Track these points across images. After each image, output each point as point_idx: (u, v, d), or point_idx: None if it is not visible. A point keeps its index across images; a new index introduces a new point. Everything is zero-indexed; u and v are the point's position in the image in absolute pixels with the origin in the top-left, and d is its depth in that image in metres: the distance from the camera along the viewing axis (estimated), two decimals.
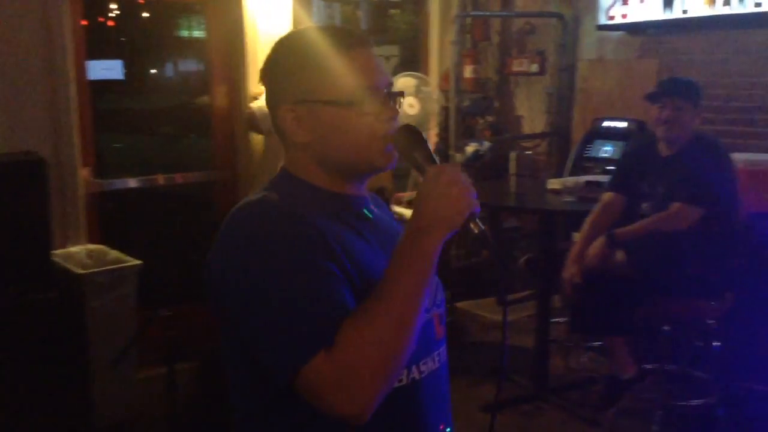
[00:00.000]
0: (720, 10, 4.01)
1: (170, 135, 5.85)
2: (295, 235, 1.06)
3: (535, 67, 5.06)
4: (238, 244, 1.08)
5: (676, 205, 2.85)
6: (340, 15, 6.13)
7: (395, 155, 1.17)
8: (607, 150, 4.47)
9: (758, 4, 3.83)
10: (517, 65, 5.18)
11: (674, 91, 2.92)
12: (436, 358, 1.24)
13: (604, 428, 3.23)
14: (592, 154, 4.55)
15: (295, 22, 3.82)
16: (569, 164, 4.62)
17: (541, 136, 5.19)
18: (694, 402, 3.13)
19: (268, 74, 1.20)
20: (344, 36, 1.17)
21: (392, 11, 7.44)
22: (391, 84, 1.19)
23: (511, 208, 4.07)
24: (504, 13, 5.23)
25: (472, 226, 1.07)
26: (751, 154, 3.80)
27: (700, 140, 2.96)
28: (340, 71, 1.13)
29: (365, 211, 1.23)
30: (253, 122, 3.75)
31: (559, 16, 4.91)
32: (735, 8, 3.93)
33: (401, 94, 1.21)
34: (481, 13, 5.16)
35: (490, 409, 3.46)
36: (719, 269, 2.88)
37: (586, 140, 4.63)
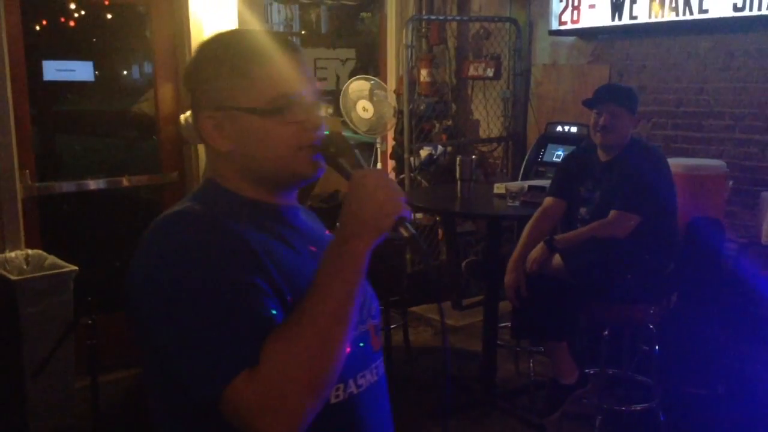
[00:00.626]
0: (668, 16, 4.05)
1: (132, 137, 5.79)
2: (217, 247, 1.01)
3: (490, 72, 5.07)
4: (156, 257, 1.02)
5: (613, 213, 2.86)
6: (299, 17, 6.11)
7: (322, 164, 1.13)
8: (559, 154, 4.48)
9: (704, 11, 3.87)
10: (473, 69, 5.19)
11: (610, 97, 2.92)
12: (375, 371, 1.20)
13: None
14: (546, 158, 4.56)
15: (241, 22, 3.78)
16: (523, 168, 4.63)
17: (497, 140, 5.20)
18: (637, 406, 3.14)
19: (190, 79, 1.15)
20: (269, 40, 1.12)
21: (363, 14, 7.43)
22: (318, 91, 1.14)
23: (455, 213, 4.05)
24: (457, 18, 5.23)
25: (401, 230, 1.04)
26: (693, 159, 3.84)
27: (637, 146, 2.97)
28: (263, 77, 1.08)
29: (295, 221, 1.18)
30: (180, 132, 3.71)
31: (513, 21, 4.92)
32: (682, 15, 3.97)
33: (327, 101, 1.18)
34: (434, 17, 5.16)
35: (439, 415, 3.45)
36: (657, 274, 2.89)
37: (540, 144, 4.65)
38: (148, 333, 1.04)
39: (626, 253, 2.83)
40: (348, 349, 1.03)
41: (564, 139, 4.52)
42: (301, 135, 1.10)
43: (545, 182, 3.43)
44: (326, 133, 1.13)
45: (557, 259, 2.89)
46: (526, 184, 3.51)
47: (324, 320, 0.98)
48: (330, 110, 1.33)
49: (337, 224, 1.06)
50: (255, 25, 3.92)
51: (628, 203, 2.84)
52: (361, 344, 1.18)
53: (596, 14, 4.41)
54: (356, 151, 1.12)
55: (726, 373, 3.23)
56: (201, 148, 3.87)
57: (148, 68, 4.33)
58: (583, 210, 3.04)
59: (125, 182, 3.95)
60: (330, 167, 1.13)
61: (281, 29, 6.21)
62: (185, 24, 3.72)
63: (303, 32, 6.20)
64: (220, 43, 1.14)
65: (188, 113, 3.65)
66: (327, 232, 1.28)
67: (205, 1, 3.70)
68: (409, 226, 1.05)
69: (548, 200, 3.12)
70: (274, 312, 1.01)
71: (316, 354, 0.97)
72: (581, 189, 3.06)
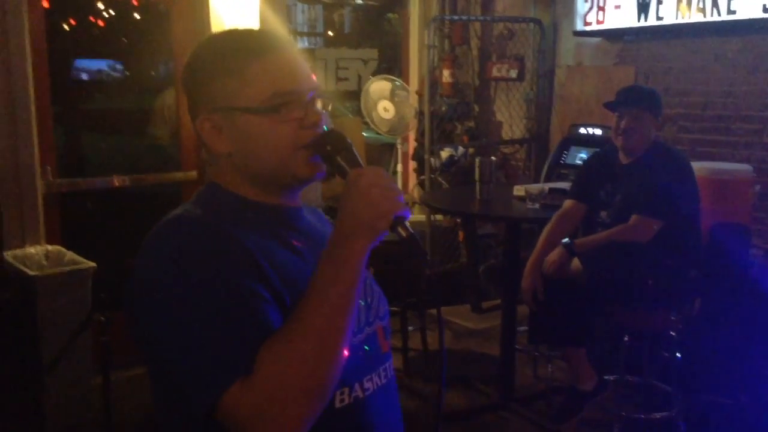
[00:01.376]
0: (695, 17, 3.97)
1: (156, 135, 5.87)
2: (214, 253, 0.99)
3: (514, 73, 5.02)
4: (154, 263, 1.01)
5: (635, 218, 2.80)
6: (323, 17, 6.12)
7: (321, 165, 1.10)
8: (582, 157, 4.41)
9: (732, 12, 3.79)
10: (497, 70, 5.14)
11: (633, 100, 2.87)
12: (383, 374, 1.17)
13: None
14: (568, 160, 4.50)
15: (263, 22, 3.78)
16: (545, 171, 4.58)
17: (519, 142, 5.15)
18: (657, 414, 3.07)
19: (186, 82, 1.13)
20: (261, 38, 1.10)
21: (390, 15, 7.42)
22: (315, 88, 1.11)
23: (473, 215, 4.01)
24: (480, 18, 5.18)
25: (399, 229, 1.00)
26: (718, 163, 3.75)
27: (659, 149, 2.91)
28: (257, 75, 1.06)
29: (299, 222, 1.16)
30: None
31: (538, 22, 4.87)
32: (710, 16, 3.89)
33: (312, 93, 1.12)
34: (457, 17, 5.12)
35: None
36: (678, 280, 2.83)
37: (563, 146, 4.59)
38: (146, 338, 1.03)
39: (647, 258, 2.77)
40: (347, 353, 1.00)
41: (587, 142, 4.45)
42: (300, 133, 1.08)
43: (566, 185, 3.38)
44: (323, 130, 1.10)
45: (576, 263, 2.84)
46: (547, 186, 3.46)
47: (320, 325, 0.96)
48: (329, 107, 1.27)
49: (335, 223, 1.03)
50: (277, 24, 3.92)
51: (650, 208, 2.78)
52: (367, 347, 1.16)
53: (622, 15, 4.34)
54: (354, 149, 1.08)
55: (749, 382, 3.15)
56: None
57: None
58: (603, 213, 2.99)
59: (145, 180, 3.97)
60: (328, 167, 1.11)
61: (305, 29, 6.23)
62: (206, 23, 3.72)
63: (328, 33, 6.21)
64: (215, 43, 1.13)
65: None
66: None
67: (226, 0, 3.70)
68: (407, 225, 1.02)
69: (568, 203, 3.07)
70: (271, 318, 0.99)
71: (313, 359, 0.95)
72: (602, 192, 3.01)
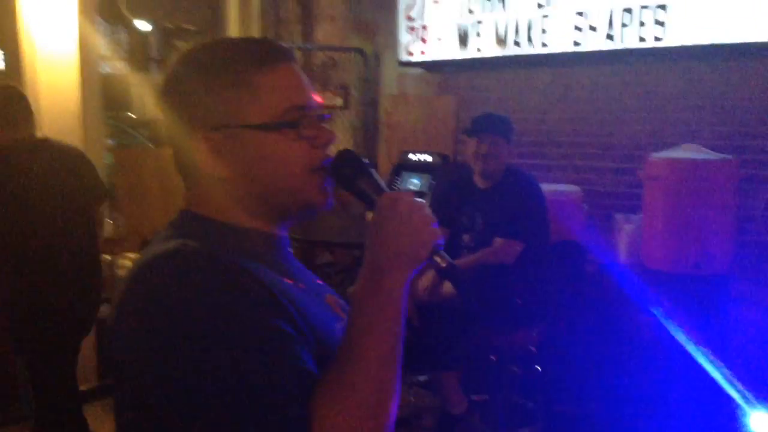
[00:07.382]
0: (511, 50, 4.26)
1: None
2: (240, 292, 0.85)
3: (339, 101, 5.05)
4: (165, 312, 0.84)
5: (498, 241, 2.91)
6: (127, 40, 5.71)
7: (331, 191, 0.99)
8: (415, 183, 4.54)
9: (545, 45, 4.12)
10: (321, 99, 5.13)
11: (490, 127, 3.00)
12: None
13: None
14: (402, 186, 4.59)
15: (82, 41, 3.41)
16: None
17: None
18: (523, 430, 3.19)
19: (172, 95, 0.97)
20: (267, 48, 0.98)
21: (177, 42, 7.08)
22: (320, 105, 1.02)
23: (325, 242, 3.94)
24: (306, 46, 5.16)
25: (437, 259, 0.93)
26: (552, 185, 4.04)
27: (515, 174, 3.07)
28: (270, 87, 0.95)
29: (289, 254, 1.05)
30: None
31: (360, 52, 4.95)
32: (524, 49, 4.20)
33: (329, 115, 1.04)
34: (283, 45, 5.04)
35: None
36: (540, 298, 2.97)
37: (395, 173, 4.68)
38: (159, 410, 0.84)
39: (515, 279, 2.88)
40: None
41: (419, 167, 4.58)
42: (313, 153, 0.97)
43: None
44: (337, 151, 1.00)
45: (448, 286, 2.88)
46: None
47: (375, 369, 0.86)
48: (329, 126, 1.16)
49: (365, 256, 0.92)
50: (97, 44, 3.57)
51: (512, 231, 2.91)
52: None
53: (443, 47, 4.54)
54: (373, 171, 0.99)
55: (598, 390, 3.38)
56: None
57: None
58: (466, 237, 3.06)
59: None
60: (345, 192, 1.00)
61: (104, 53, 5.77)
62: (15, 38, 3.29)
63: (134, 57, 5.79)
64: (209, 51, 0.98)
65: None
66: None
67: (40, 15, 3.29)
68: (444, 254, 0.95)
69: None
70: (310, 361, 0.87)
71: (374, 407, 0.85)
72: (463, 216, 3.08)
